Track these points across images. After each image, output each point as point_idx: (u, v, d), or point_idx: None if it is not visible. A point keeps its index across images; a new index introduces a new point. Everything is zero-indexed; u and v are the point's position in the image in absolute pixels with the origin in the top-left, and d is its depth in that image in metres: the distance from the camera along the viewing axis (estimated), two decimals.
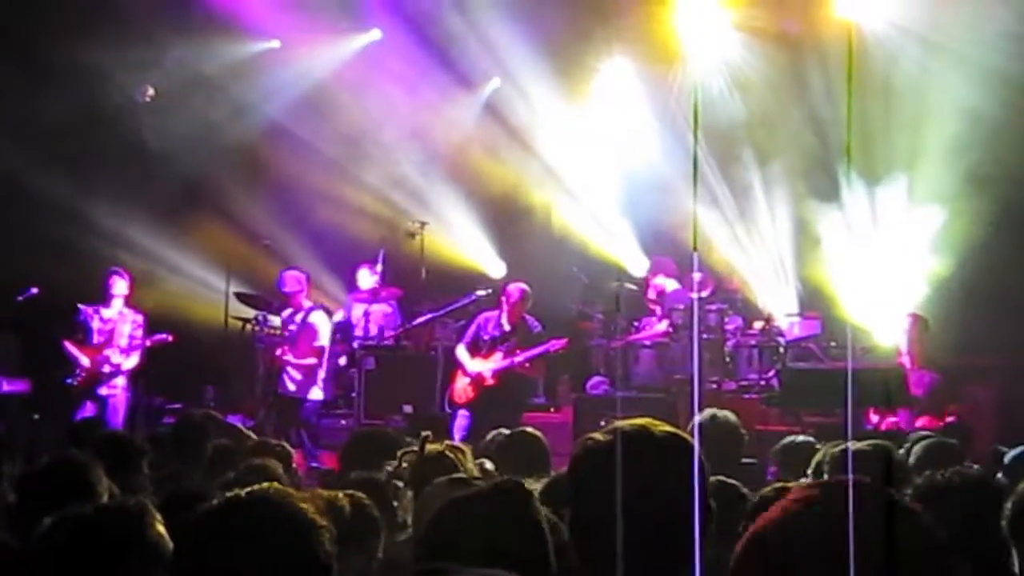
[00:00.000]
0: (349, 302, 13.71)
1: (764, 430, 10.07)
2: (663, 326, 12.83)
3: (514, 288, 11.58)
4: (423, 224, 13.74)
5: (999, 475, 5.73)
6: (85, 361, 11.53)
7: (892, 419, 9.67)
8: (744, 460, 6.25)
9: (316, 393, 11.82)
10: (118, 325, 11.69)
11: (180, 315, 13.21)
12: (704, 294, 12.73)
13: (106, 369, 11.55)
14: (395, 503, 4.61)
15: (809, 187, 12.94)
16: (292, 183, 14.73)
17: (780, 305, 12.93)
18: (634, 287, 13.64)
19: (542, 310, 11.87)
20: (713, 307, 12.54)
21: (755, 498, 4.09)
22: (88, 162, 13.36)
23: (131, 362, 11.68)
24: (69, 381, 11.52)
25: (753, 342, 12.49)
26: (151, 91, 13.97)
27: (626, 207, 14.30)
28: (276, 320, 12.16)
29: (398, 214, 14.54)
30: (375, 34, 14.77)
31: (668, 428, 2.62)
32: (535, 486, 4.26)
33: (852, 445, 5.03)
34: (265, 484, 2.47)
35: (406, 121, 14.62)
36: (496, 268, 14.62)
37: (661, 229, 13.74)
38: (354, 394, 12.64)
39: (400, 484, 4.63)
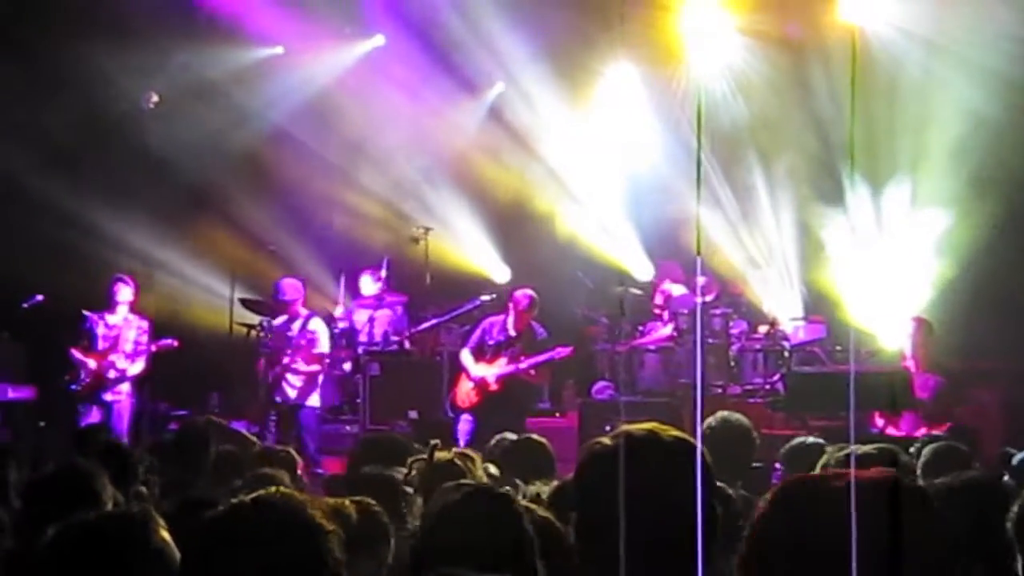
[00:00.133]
0: (352, 308, 13.70)
1: (769, 434, 10.04)
2: (668, 330, 12.82)
3: (522, 295, 11.57)
4: (427, 229, 13.73)
5: (1006, 477, 5.73)
6: (92, 365, 11.54)
7: (893, 430, 9.64)
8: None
9: (315, 399, 11.83)
10: (123, 331, 11.70)
11: (185, 321, 13.24)
12: (708, 298, 12.75)
13: (111, 375, 11.56)
14: (405, 510, 4.62)
15: (813, 191, 12.95)
16: (296, 189, 14.74)
17: (785, 309, 12.92)
18: (638, 291, 13.63)
19: (547, 315, 11.87)
20: (718, 311, 12.55)
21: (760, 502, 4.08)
22: (93, 168, 13.38)
23: (136, 368, 11.69)
24: (73, 387, 11.53)
25: (758, 346, 12.48)
26: (155, 97, 13.99)
27: (630, 211, 14.30)
28: (292, 328, 12.06)
29: (402, 219, 14.54)
30: (378, 40, 14.77)
31: (676, 433, 2.62)
32: (543, 489, 4.27)
33: (858, 449, 5.01)
34: (272, 489, 2.48)
35: (410, 126, 14.62)
36: (501, 273, 14.62)
37: (665, 233, 13.74)
38: (359, 400, 12.63)
39: (410, 490, 4.64)
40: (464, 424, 11.40)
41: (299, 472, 6.23)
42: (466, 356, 11.62)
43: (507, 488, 3.87)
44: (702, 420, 6.36)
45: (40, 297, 12.03)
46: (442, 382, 12.27)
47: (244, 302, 13.24)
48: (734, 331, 12.52)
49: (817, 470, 5.33)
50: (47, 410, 12.16)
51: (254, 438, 8.28)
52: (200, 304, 13.97)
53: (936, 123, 11.94)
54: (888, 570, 1.88)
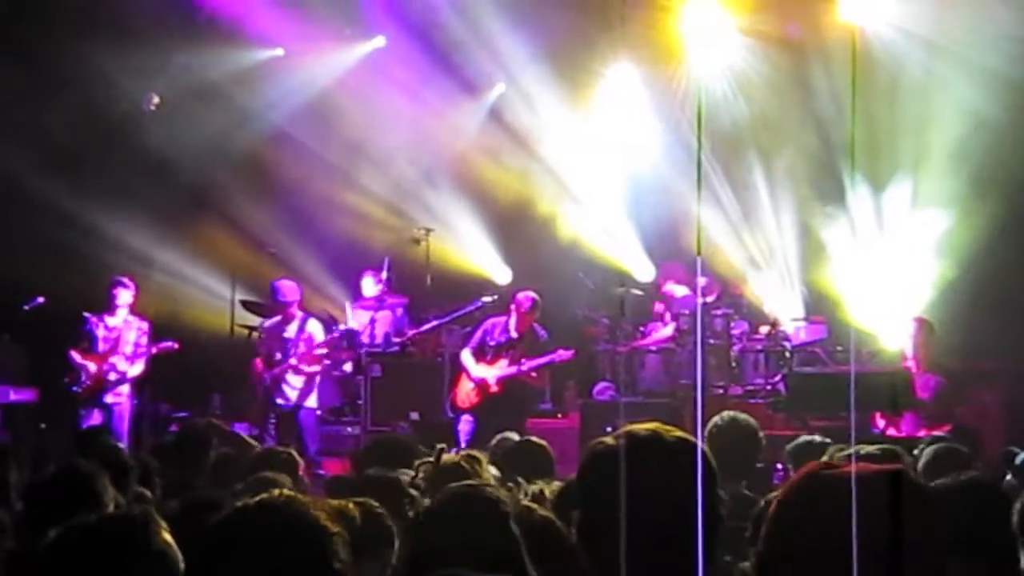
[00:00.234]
0: (353, 309, 13.70)
1: (770, 435, 10.03)
2: (669, 330, 12.83)
3: (524, 297, 11.55)
4: (428, 231, 13.71)
5: (1008, 476, 5.73)
6: (92, 367, 11.55)
7: (894, 431, 9.64)
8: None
9: (312, 401, 11.85)
10: (123, 333, 11.70)
11: (186, 323, 13.24)
12: (710, 299, 12.75)
13: (112, 376, 11.56)
14: (410, 512, 4.62)
15: (814, 191, 12.95)
16: (297, 190, 14.74)
17: (786, 309, 12.92)
18: (639, 292, 13.63)
19: (548, 316, 11.87)
20: (719, 312, 12.55)
21: (762, 502, 4.09)
22: (93, 169, 13.38)
23: (136, 369, 11.69)
24: (74, 389, 11.53)
25: (759, 347, 12.49)
26: (156, 99, 13.99)
27: (631, 211, 14.30)
28: (289, 329, 12.04)
29: (403, 221, 14.54)
30: (379, 41, 14.76)
31: (679, 433, 2.62)
32: (549, 488, 4.28)
33: (860, 449, 5.01)
34: (276, 492, 2.48)
35: (410, 127, 14.61)
36: (502, 274, 14.62)
37: (666, 233, 13.74)
38: (360, 401, 12.63)
39: (416, 493, 4.66)
40: (464, 424, 11.40)
41: (300, 474, 6.22)
42: (467, 356, 11.61)
43: (510, 486, 3.88)
44: (703, 421, 6.36)
45: (41, 299, 12.02)
46: (443, 383, 12.26)
47: (245, 304, 13.23)
48: (735, 332, 12.53)
49: None
50: (48, 412, 12.15)
51: (254, 442, 8.28)
52: (201, 306, 13.97)
53: (936, 123, 11.94)
54: (896, 556, 1.90)
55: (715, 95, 13.08)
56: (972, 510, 3.64)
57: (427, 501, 4.41)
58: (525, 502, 3.80)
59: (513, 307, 11.58)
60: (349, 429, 12.81)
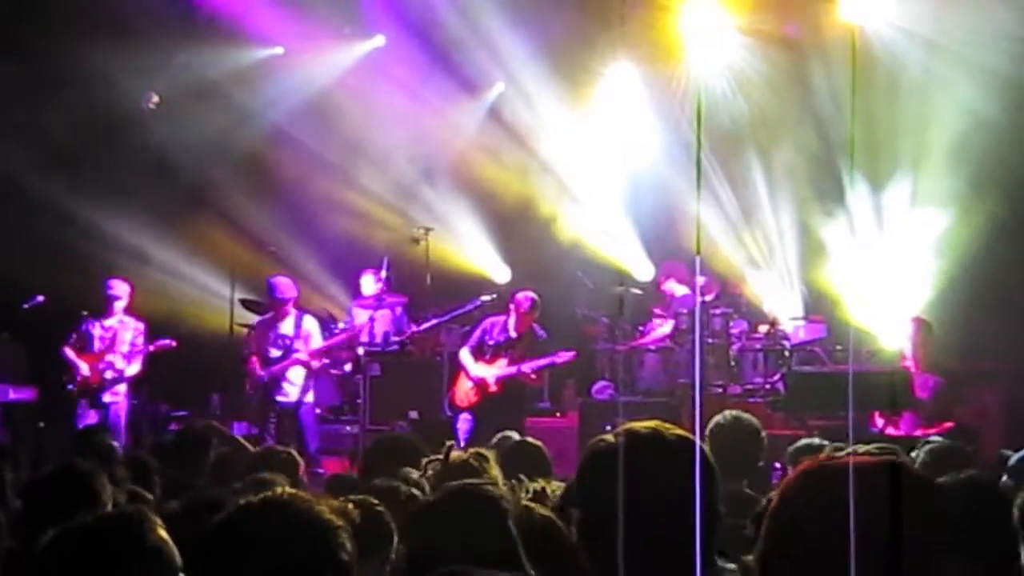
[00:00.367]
0: (352, 308, 13.70)
1: (769, 434, 10.04)
2: (667, 328, 12.83)
3: (524, 297, 11.53)
4: (428, 230, 13.71)
5: (1004, 478, 5.73)
6: (84, 368, 11.56)
7: (893, 430, 9.64)
8: None
9: (310, 397, 11.87)
10: (119, 332, 11.72)
11: (185, 322, 13.22)
12: (708, 298, 12.75)
13: (109, 375, 11.58)
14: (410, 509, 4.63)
15: (813, 190, 12.95)
16: (296, 189, 14.74)
17: (785, 308, 12.93)
18: (638, 291, 13.63)
19: (548, 315, 11.86)
20: (718, 311, 12.55)
21: (764, 500, 4.09)
22: (93, 169, 13.39)
23: (133, 368, 11.71)
24: (70, 387, 11.54)
25: (758, 346, 12.49)
26: (156, 98, 13.99)
27: (630, 210, 14.31)
28: (285, 326, 12.03)
29: (403, 220, 14.54)
30: (379, 40, 14.76)
31: (679, 431, 2.62)
32: (550, 487, 4.27)
33: (858, 448, 5.01)
34: (279, 490, 2.48)
35: (410, 126, 14.61)
36: (501, 273, 14.63)
37: (665, 232, 13.75)
38: (359, 400, 12.63)
39: (419, 494, 4.66)
40: (463, 423, 11.39)
41: (300, 473, 6.22)
42: (465, 355, 11.61)
43: (512, 484, 3.88)
44: (702, 420, 6.36)
45: (41, 298, 12.03)
46: (442, 382, 12.26)
47: (244, 303, 13.22)
48: (734, 331, 12.53)
49: None
50: (47, 411, 12.15)
51: (250, 445, 8.26)
52: (200, 305, 13.96)
53: (936, 122, 11.94)
54: (898, 547, 1.91)
55: (714, 94, 13.07)
56: (972, 508, 3.64)
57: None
58: (526, 501, 3.79)
59: (512, 307, 11.57)
60: (348, 428, 12.80)
